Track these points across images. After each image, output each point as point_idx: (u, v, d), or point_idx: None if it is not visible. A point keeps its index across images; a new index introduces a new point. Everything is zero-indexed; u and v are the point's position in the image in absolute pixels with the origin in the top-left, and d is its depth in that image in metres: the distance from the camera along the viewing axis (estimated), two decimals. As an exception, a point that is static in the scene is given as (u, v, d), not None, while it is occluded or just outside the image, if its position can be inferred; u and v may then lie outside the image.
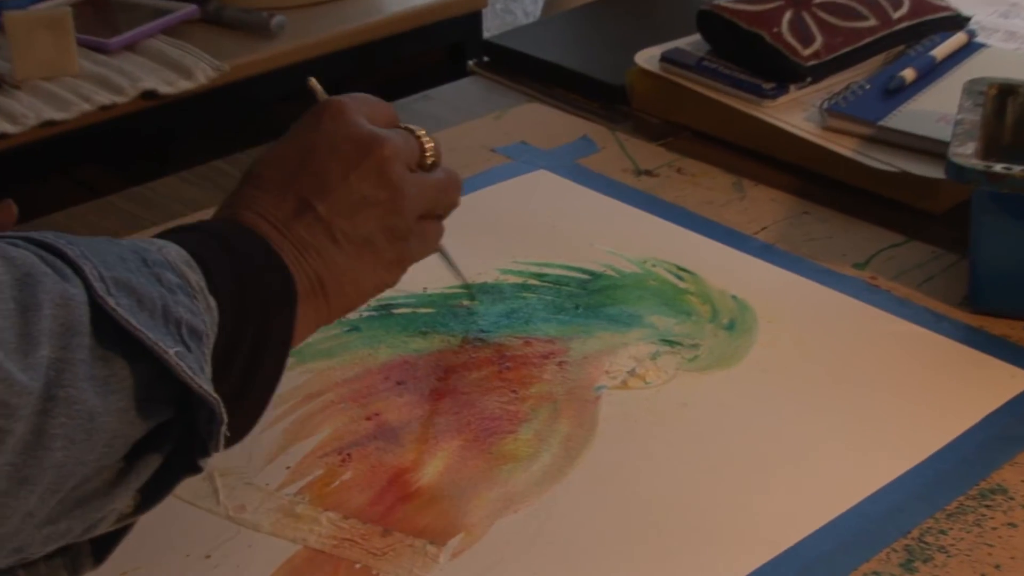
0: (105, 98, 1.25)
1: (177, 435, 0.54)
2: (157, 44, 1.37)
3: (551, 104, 1.18)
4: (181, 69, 1.32)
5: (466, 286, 0.86)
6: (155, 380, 0.52)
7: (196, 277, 0.56)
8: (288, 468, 0.72)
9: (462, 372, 0.80)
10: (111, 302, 0.51)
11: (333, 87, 0.72)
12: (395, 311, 0.86)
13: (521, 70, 1.24)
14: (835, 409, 0.77)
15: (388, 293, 0.86)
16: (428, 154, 0.69)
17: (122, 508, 0.54)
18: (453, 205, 0.71)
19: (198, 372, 0.53)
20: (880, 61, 1.12)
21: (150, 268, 0.54)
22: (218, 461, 0.72)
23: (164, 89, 1.30)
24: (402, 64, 1.61)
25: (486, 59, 1.27)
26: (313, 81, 0.71)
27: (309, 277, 0.63)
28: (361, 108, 0.66)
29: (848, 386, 0.79)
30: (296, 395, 0.78)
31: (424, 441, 0.74)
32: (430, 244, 0.70)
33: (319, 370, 0.80)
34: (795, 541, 0.67)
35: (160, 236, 0.59)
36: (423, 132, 0.69)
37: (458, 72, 1.31)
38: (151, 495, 0.55)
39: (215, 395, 0.53)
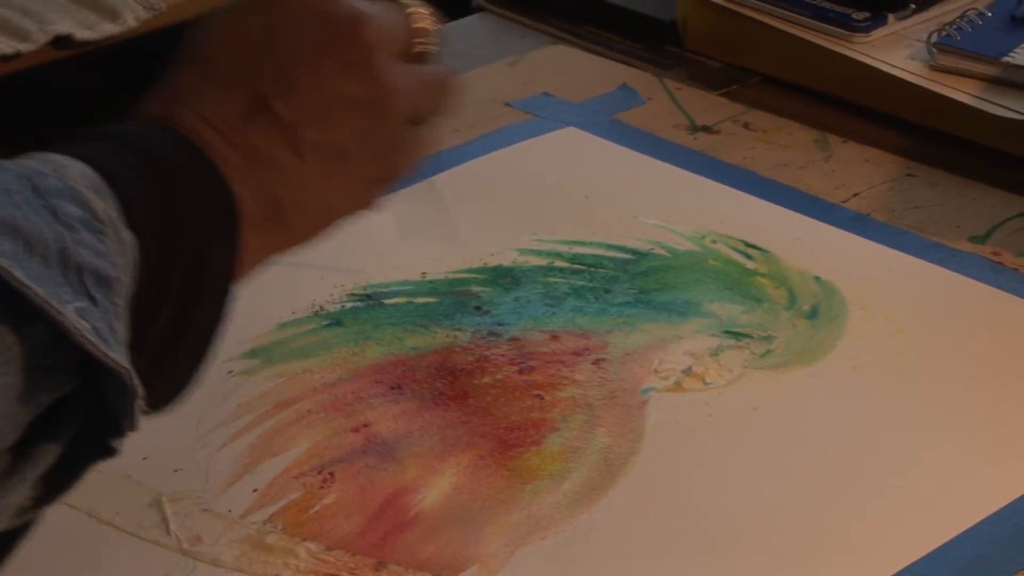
0: (5, 46, 1.30)
1: (83, 410, 0.56)
2: (71, -22, 1.42)
3: (581, 46, 1.23)
4: (103, 9, 1.37)
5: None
6: (51, 345, 0.53)
7: (106, 206, 0.56)
8: (255, 491, 0.77)
9: (473, 374, 0.85)
10: None
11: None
12: (386, 301, 0.91)
13: (542, 4, 1.29)
14: (946, 412, 0.82)
15: (379, 279, 0.92)
16: (420, 39, 0.69)
17: (19, 502, 0.56)
18: (444, 109, 0.72)
19: (105, 332, 0.54)
20: (1005, -17, 1.17)
21: (43, 199, 0.54)
22: (167, 485, 0.78)
23: (82, 34, 1.34)
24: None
25: (497, -9, 1.32)
26: None
27: (261, 198, 0.63)
28: None
29: (963, 384, 0.84)
30: (263, 403, 0.83)
31: (426, 457, 0.79)
32: (414, 157, 0.70)
33: (292, 373, 0.85)
34: (897, 570, 0.72)
35: (67, 148, 0.58)
36: (416, 6, 0.69)
37: (463, 9, 1.36)
38: (55, 485, 0.56)
39: (125, 364, 0.54)
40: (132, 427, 0.56)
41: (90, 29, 1.35)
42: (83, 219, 0.54)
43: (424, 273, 0.93)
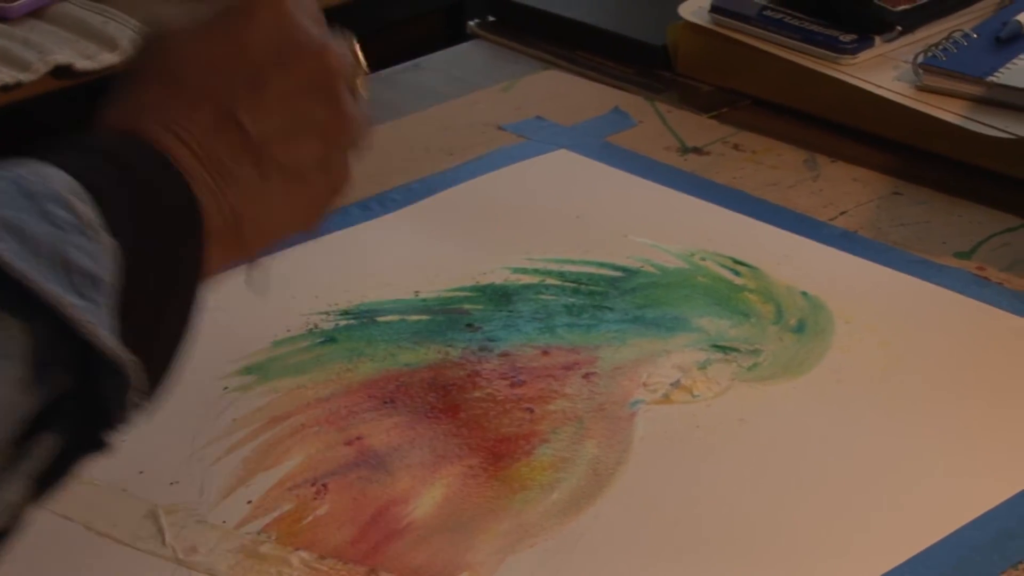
0: (7, 75, 1.32)
1: (78, 406, 0.57)
2: (71, 8, 1.44)
3: (573, 71, 1.25)
4: (103, 39, 1.40)
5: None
6: (51, 340, 0.54)
7: (89, 211, 0.57)
8: (250, 502, 0.79)
9: (464, 388, 0.86)
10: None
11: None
12: (380, 319, 0.93)
13: (535, 30, 1.31)
14: (930, 422, 0.83)
15: (372, 298, 0.94)
16: (362, 75, 0.72)
17: (13, 499, 0.57)
18: (359, 146, 0.74)
19: (104, 329, 0.55)
20: (989, 6, 1.19)
21: (34, 201, 0.56)
22: (162, 496, 0.79)
23: (81, 64, 1.37)
24: (390, 31, 1.67)
25: (491, 18, 1.34)
26: None
27: (223, 212, 0.65)
28: (298, 1, 0.68)
29: (946, 395, 0.85)
30: (258, 418, 0.85)
31: (418, 468, 0.80)
32: (347, 182, 0.72)
33: (286, 389, 0.87)
34: (882, 574, 0.73)
35: (44, 156, 0.59)
36: (355, 41, 0.72)
37: (458, 36, 1.38)
38: (47, 481, 0.57)
39: (122, 352, 0.55)
40: (125, 419, 0.57)
41: (90, 59, 1.37)
42: (71, 222, 0.56)
43: (417, 292, 0.95)
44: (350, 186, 0.72)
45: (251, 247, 0.68)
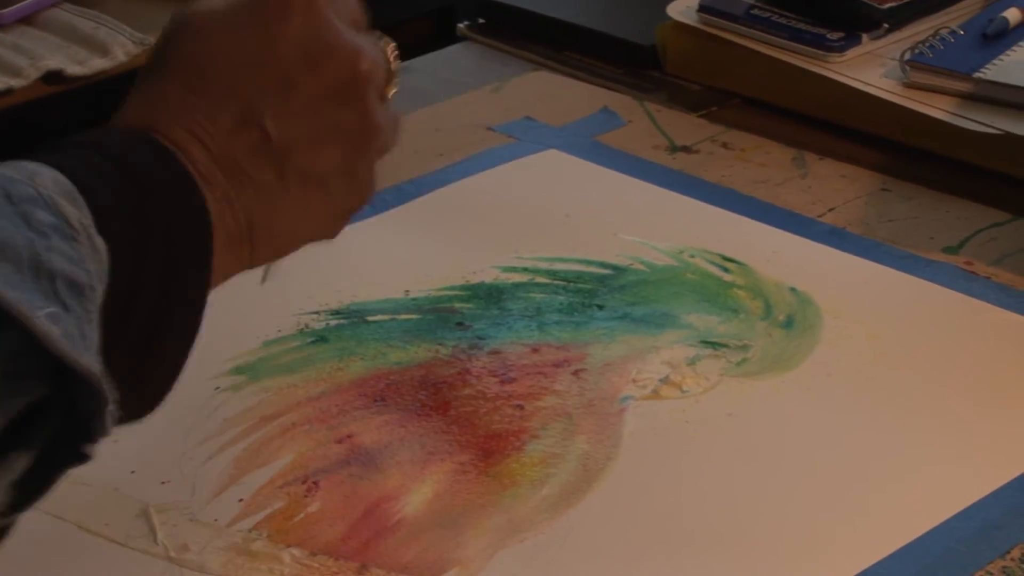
0: (-1, 82, 1.33)
1: (57, 416, 0.55)
2: (62, 14, 1.44)
3: (562, 72, 1.26)
4: (94, 44, 1.40)
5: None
6: (22, 351, 0.53)
7: (79, 213, 0.56)
8: (241, 500, 0.79)
9: (454, 386, 0.87)
10: None
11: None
12: (370, 318, 0.93)
13: (524, 32, 1.31)
14: (917, 415, 0.84)
15: (361, 298, 0.95)
16: (394, 81, 0.71)
17: None
18: (388, 151, 0.72)
19: (76, 338, 0.53)
20: (976, 3, 1.20)
21: (15, 206, 0.54)
22: (154, 496, 0.79)
23: (73, 69, 1.37)
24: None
25: (481, 21, 1.35)
26: None
27: (236, 218, 0.64)
28: (334, 2, 0.66)
29: (934, 389, 0.86)
30: (249, 418, 0.85)
31: (408, 465, 0.81)
32: (373, 192, 0.71)
33: (277, 388, 0.87)
34: (866, 567, 0.73)
35: (42, 157, 0.58)
36: (392, 46, 0.71)
37: (448, 38, 1.38)
38: (27, 491, 0.56)
39: (95, 369, 0.53)
40: (104, 433, 0.55)
41: (81, 64, 1.37)
42: (56, 226, 0.55)
43: (407, 291, 0.96)
44: (374, 194, 0.71)
45: (264, 253, 0.67)
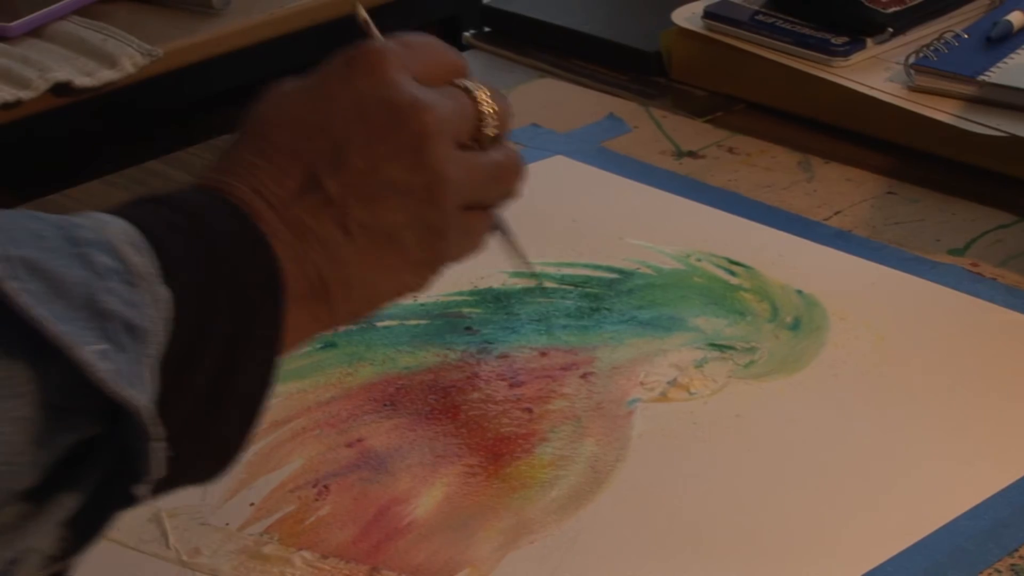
0: (7, 93, 1.34)
1: (109, 457, 0.56)
2: (70, 27, 1.45)
3: (568, 79, 1.27)
4: (102, 56, 1.41)
5: (532, 274, 0.94)
6: (71, 385, 0.53)
7: (143, 260, 0.57)
8: (252, 504, 0.79)
9: (464, 390, 0.87)
10: (13, 285, 0.52)
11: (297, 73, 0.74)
12: (379, 324, 0.93)
13: (529, 40, 1.32)
14: (925, 415, 0.84)
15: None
16: (488, 124, 0.70)
17: (45, 548, 0.56)
18: (509, 195, 0.73)
19: (129, 376, 0.54)
20: (980, 7, 1.20)
21: (76, 247, 0.55)
22: (165, 500, 0.80)
23: (81, 81, 1.38)
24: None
25: (486, 29, 1.35)
26: (361, 10, 0.71)
27: (308, 274, 0.64)
28: (411, 60, 0.67)
29: (941, 388, 0.86)
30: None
31: (418, 468, 0.81)
32: (473, 241, 0.71)
33: (287, 394, 0.88)
34: (875, 565, 0.74)
35: (115, 209, 0.60)
36: (485, 92, 0.70)
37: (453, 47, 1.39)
38: (82, 533, 0.57)
39: (142, 403, 0.54)
40: (153, 472, 0.55)
41: (89, 76, 1.38)
42: (115, 269, 0.55)
43: (415, 297, 0.96)
44: (470, 243, 0.70)
45: (343, 311, 0.66)
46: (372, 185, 0.65)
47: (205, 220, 0.61)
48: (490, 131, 0.70)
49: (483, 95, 0.69)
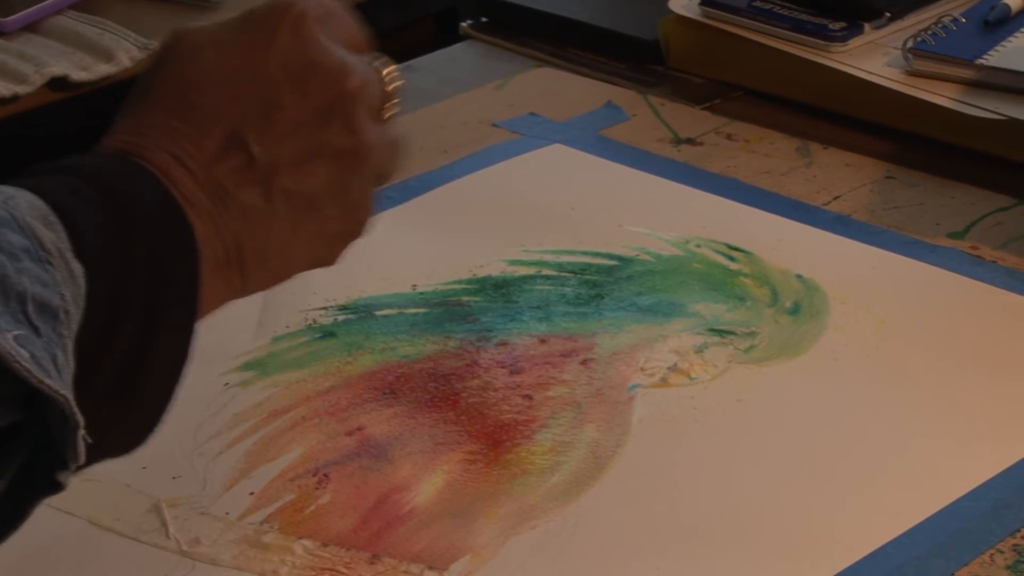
0: (3, 88, 1.33)
1: (29, 444, 0.54)
2: (66, 21, 1.45)
3: (566, 68, 1.26)
4: (99, 50, 1.40)
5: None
6: None
7: (54, 236, 0.55)
8: (252, 494, 0.79)
9: (463, 377, 0.87)
10: None
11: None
12: (378, 313, 0.93)
13: (526, 29, 1.32)
14: (926, 398, 0.84)
15: (369, 293, 0.95)
16: (391, 102, 0.69)
17: None
18: (392, 176, 0.71)
19: (46, 362, 0.52)
20: (978, -10, 1.20)
21: None
22: (165, 491, 0.80)
23: (78, 75, 1.37)
24: (383, 37, 1.69)
25: (483, 19, 1.35)
26: None
27: (225, 242, 0.63)
28: (326, 22, 0.66)
29: (943, 369, 0.86)
30: (259, 412, 0.85)
31: (419, 456, 0.81)
32: (373, 217, 0.69)
33: (286, 383, 0.87)
34: (877, 546, 0.74)
35: (21, 182, 0.57)
36: (391, 68, 0.70)
37: (451, 36, 1.39)
38: (4, 520, 0.56)
39: (62, 391, 0.52)
40: (76, 460, 0.54)
41: (86, 70, 1.38)
42: (27, 248, 0.54)
43: (414, 286, 0.96)
44: (371, 218, 0.69)
45: (257, 279, 0.66)
46: (299, 149, 0.64)
47: (117, 189, 0.59)
48: (389, 110, 0.69)
49: (389, 70, 0.69)
